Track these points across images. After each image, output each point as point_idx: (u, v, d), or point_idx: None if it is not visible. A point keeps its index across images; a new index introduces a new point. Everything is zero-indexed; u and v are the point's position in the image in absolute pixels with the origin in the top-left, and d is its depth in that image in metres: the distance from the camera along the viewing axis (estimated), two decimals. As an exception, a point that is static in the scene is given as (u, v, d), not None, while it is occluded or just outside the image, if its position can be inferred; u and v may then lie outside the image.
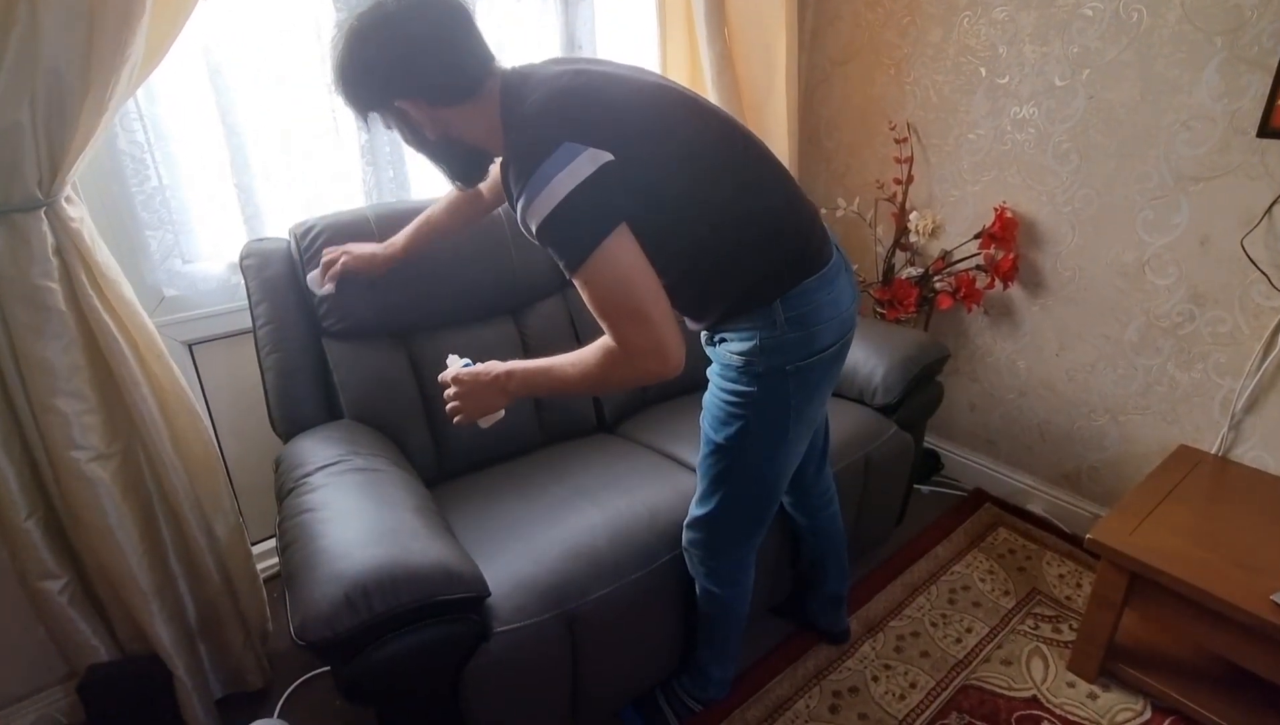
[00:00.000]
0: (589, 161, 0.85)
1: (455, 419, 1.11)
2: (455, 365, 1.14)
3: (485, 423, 1.13)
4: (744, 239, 1.00)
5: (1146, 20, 1.52)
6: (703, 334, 1.14)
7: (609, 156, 0.86)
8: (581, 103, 0.90)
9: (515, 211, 0.93)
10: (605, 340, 0.95)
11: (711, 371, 1.13)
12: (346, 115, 1.58)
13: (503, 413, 1.13)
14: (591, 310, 0.93)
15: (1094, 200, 1.71)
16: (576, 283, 0.92)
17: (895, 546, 1.90)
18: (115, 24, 0.99)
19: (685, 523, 1.25)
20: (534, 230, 0.90)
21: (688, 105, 1.00)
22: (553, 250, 0.91)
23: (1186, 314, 1.62)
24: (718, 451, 1.13)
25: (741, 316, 1.03)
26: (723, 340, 1.08)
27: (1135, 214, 1.64)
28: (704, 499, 1.20)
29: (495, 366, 1.08)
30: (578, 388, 1.02)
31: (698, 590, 1.30)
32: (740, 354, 1.04)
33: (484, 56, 0.97)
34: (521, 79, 0.96)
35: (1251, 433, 1.59)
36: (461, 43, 0.95)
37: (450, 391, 1.11)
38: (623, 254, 0.89)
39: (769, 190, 1.03)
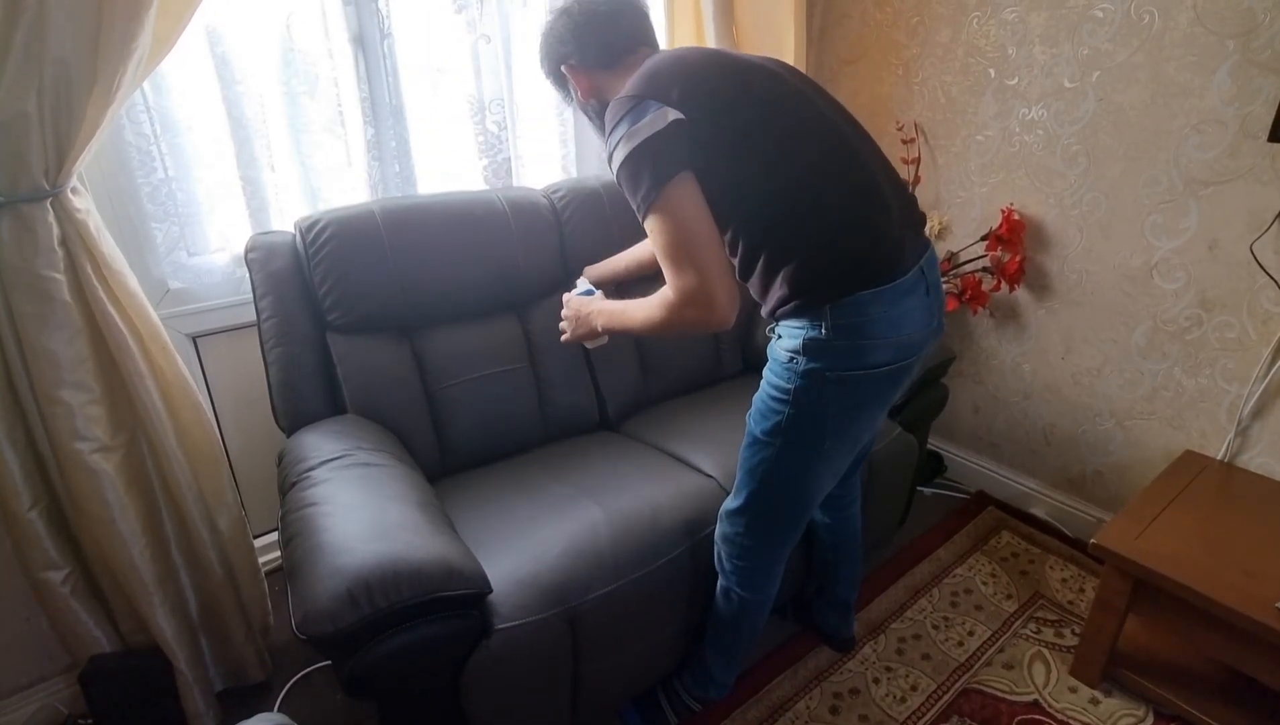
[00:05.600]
0: (662, 118, 0.96)
1: (562, 337, 1.32)
2: (581, 286, 1.33)
3: (591, 345, 1.33)
4: (804, 223, 1.01)
5: (1158, 23, 1.51)
6: (769, 330, 1.14)
7: (680, 116, 0.97)
8: (670, 71, 1.02)
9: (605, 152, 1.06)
10: (665, 287, 1.03)
11: (766, 367, 1.13)
12: (353, 109, 1.60)
13: (606, 340, 1.31)
14: (656, 255, 1.02)
15: (1102, 203, 1.70)
16: (646, 226, 1.01)
17: (897, 548, 1.89)
18: (123, 15, 0.99)
19: (719, 512, 1.26)
20: (614, 171, 1.03)
21: (785, 92, 1.04)
22: (627, 191, 1.02)
23: (1194, 319, 1.61)
24: (754, 444, 1.15)
25: (793, 313, 1.03)
26: (779, 336, 1.09)
27: (1143, 218, 1.63)
28: (737, 491, 1.21)
29: (594, 303, 1.26)
30: (641, 329, 1.14)
31: (718, 588, 1.30)
32: (787, 350, 1.05)
33: (639, 38, 1.15)
34: (653, 56, 1.10)
35: (1258, 439, 1.58)
36: (622, 23, 1.14)
37: (565, 311, 1.31)
38: (682, 201, 0.98)
39: (845, 189, 1.02)
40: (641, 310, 1.11)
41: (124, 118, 1.35)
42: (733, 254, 1.07)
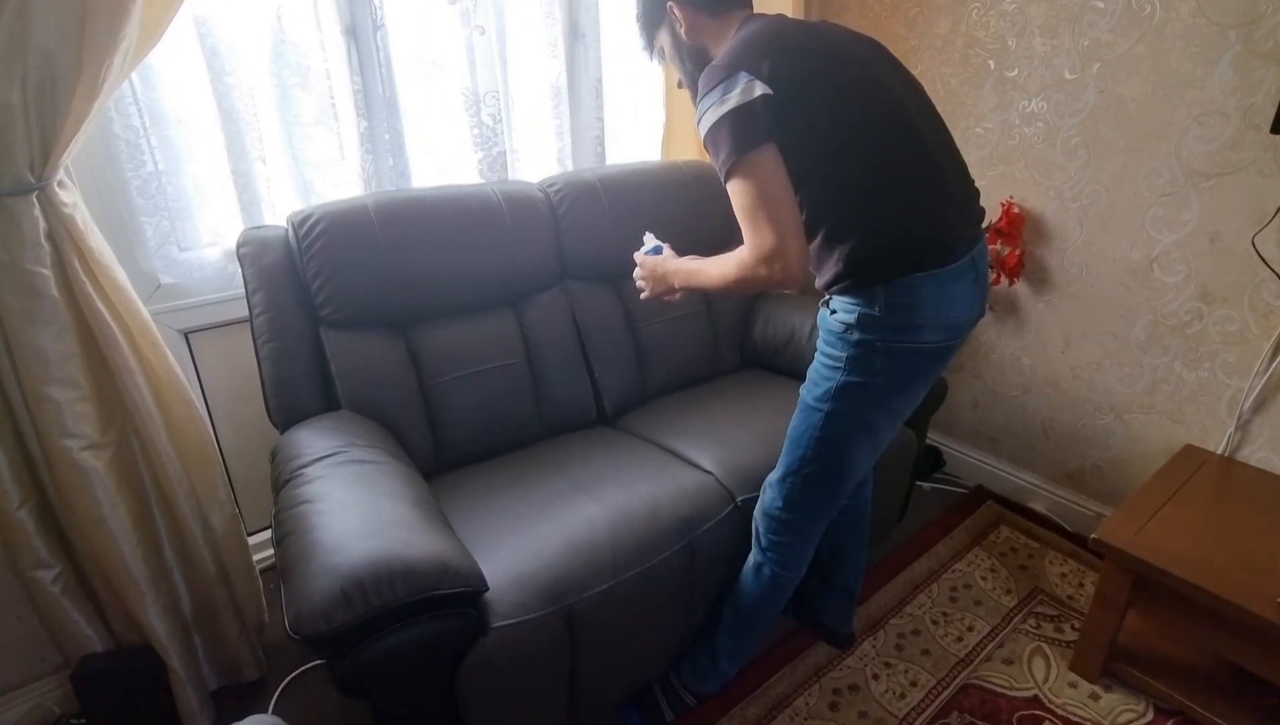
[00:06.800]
0: (750, 91, 1.01)
1: (641, 295, 1.33)
2: (649, 243, 1.34)
3: (668, 300, 1.31)
4: (865, 208, 1.06)
5: (1159, 13, 1.50)
6: (821, 302, 1.19)
7: (768, 90, 1.01)
8: (764, 43, 1.06)
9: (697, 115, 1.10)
10: (741, 246, 1.07)
11: (819, 341, 1.18)
12: (346, 102, 1.58)
13: (679, 296, 1.29)
14: (737, 215, 1.06)
15: (1102, 196, 1.69)
16: (728, 189, 1.05)
17: (896, 543, 1.89)
18: (109, 5, 0.97)
19: (763, 483, 1.30)
20: (702, 134, 1.07)
21: (868, 81, 1.08)
22: (712, 154, 1.06)
23: (1194, 312, 1.60)
24: (803, 411, 1.19)
25: (847, 291, 1.08)
26: (833, 310, 1.13)
27: (1144, 211, 1.62)
28: (781, 461, 1.25)
29: (670, 262, 1.28)
30: (717, 286, 1.17)
31: (749, 565, 1.33)
32: (841, 322, 1.11)
33: None
34: (753, 20, 1.15)
35: (1259, 433, 1.57)
36: None
37: (638, 271, 1.33)
38: (763, 168, 1.02)
39: (909, 180, 1.07)
40: (717, 267, 1.15)
41: (112, 110, 1.33)
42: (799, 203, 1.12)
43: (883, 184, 1.05)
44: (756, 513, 1.31)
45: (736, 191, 1.04)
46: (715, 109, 1.03)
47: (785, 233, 1.02)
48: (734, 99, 1.01)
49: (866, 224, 1.06)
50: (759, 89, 1.00)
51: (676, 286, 1.27)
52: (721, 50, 1.10)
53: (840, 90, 1.05)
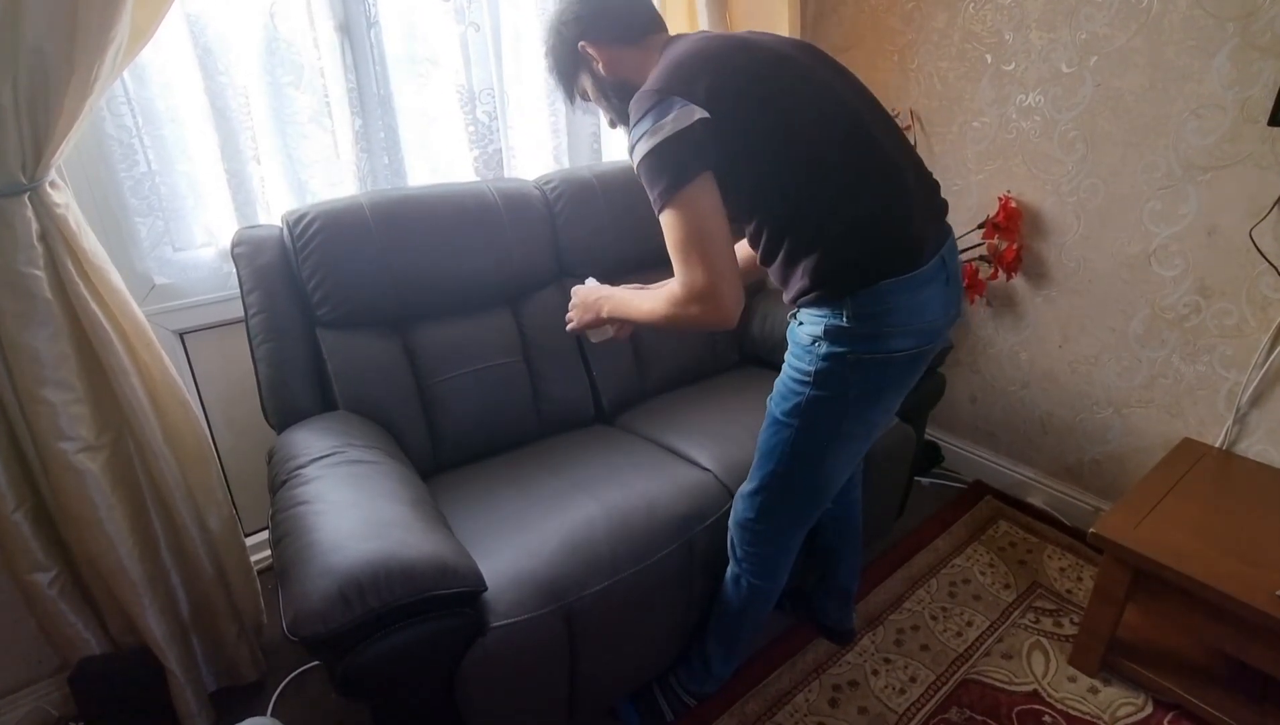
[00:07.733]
0: (687, 116, 0.96)
1: (569, 326, 1.27)
2: (590, 284, 1.30)
3: (595, 338, 1.26)
4: (824, 217, 1.01)
5: (1157, 6, 1.49)
6: (790, 316, 1.15)
7: (705, 115, 0.96)
8: (696, 64, 1.00)
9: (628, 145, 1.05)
10: (672, 281, 1.03)
11: (787, 352, 1.14)
12: (340, 100, 1.57)
13: (611, 332, 1.25)
14: (668, 248, 1.01)
15: (1100, 190, 1.68)
16: (661, 220, 1.01)
17: (895, 539, 1.89)
18: (100, 3, 0.96)
19: (735, 495, 1.27)
20: (635, 164, 1.02)
21: (810, 86, 1.03)
22: (645, 185, 1.01)
23: (1192, 306, 1.60)
24: (773, 425, 1.15)
25: (814, 303, 1.05)
26: (800, 322, 1.10)
27: (1142, 204, 1.62)
28: (753, 474, 1.22)
29: (601, 290, 1.23)
30: (645, 320, 1.12)
31: (728, 575, 1.30)
32: (809, 335, 1.07)
33: (655, 19, 1.16)
34: (677, 42, 1.09)
35: (1257, 426, 1.57)
36: (637, 2, 1.15)
37: (572, 301, 1.28)
38: (700, 201, 0.97)
39: (867, 182, 1.02)
40: (648, 301, 1.11)
41: (104, 109, 1.32)
42: (755, 245, 1.09)
43: (841, 190, 1.01)
44: (730, 524, 1.27)
45: (671, 225, 0.99)
46: (648, 138, 0.97)
47: (718, 272, 0.98)
48: (668, 127, 0.95)
49: (828, 235, 1.01)
50: (697, 113, 0.95)
51: (605, 315, 1.20)
52: (649, 77, 1.03)
53: (783, 100, 1.00)
